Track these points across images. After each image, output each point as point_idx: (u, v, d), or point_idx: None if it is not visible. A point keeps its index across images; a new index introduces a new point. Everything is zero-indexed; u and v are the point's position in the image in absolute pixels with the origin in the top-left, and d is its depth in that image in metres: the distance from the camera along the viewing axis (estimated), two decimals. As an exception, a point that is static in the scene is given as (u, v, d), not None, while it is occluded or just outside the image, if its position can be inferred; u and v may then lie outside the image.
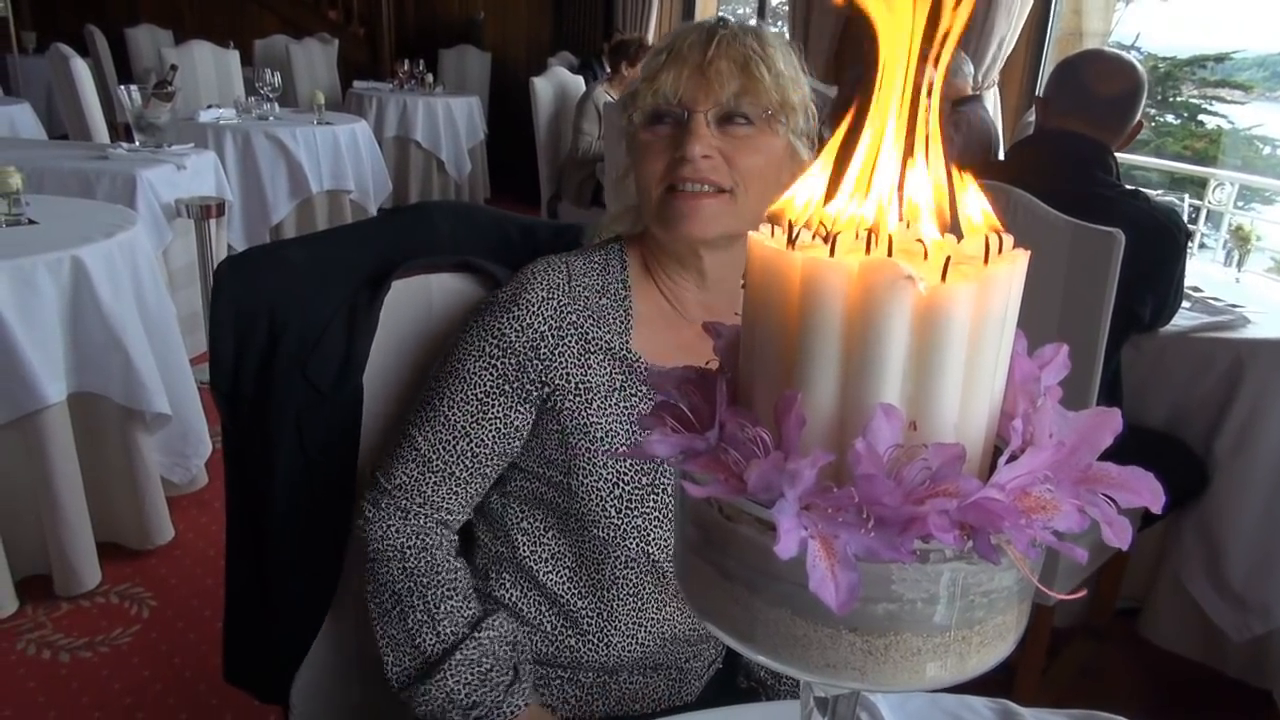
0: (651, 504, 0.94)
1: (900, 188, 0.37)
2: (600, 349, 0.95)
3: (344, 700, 1.19)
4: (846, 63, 5.33)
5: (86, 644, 2.02)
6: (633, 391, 0.94)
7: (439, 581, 0.95)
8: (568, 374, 0.94)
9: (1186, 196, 2.46)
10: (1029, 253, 0.37)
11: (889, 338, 0.34)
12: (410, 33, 7.75)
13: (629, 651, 0.98)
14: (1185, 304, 1.97)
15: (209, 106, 4.51)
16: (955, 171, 0.36)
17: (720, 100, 0.89)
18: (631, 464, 0.93)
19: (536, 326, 0.94)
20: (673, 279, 0.98)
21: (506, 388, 0.94)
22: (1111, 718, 0.75)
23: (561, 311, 0.94)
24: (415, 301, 1.11)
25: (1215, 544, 1.97)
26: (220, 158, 3.79)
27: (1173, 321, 1.91)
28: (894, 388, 0.35)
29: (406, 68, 6.28)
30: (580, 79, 5.16)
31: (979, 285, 0.34)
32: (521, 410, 0.95)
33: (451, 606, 0.94)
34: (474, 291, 1.14)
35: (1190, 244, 2.04)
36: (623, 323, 0.96)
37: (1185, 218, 1.97)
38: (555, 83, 4.87)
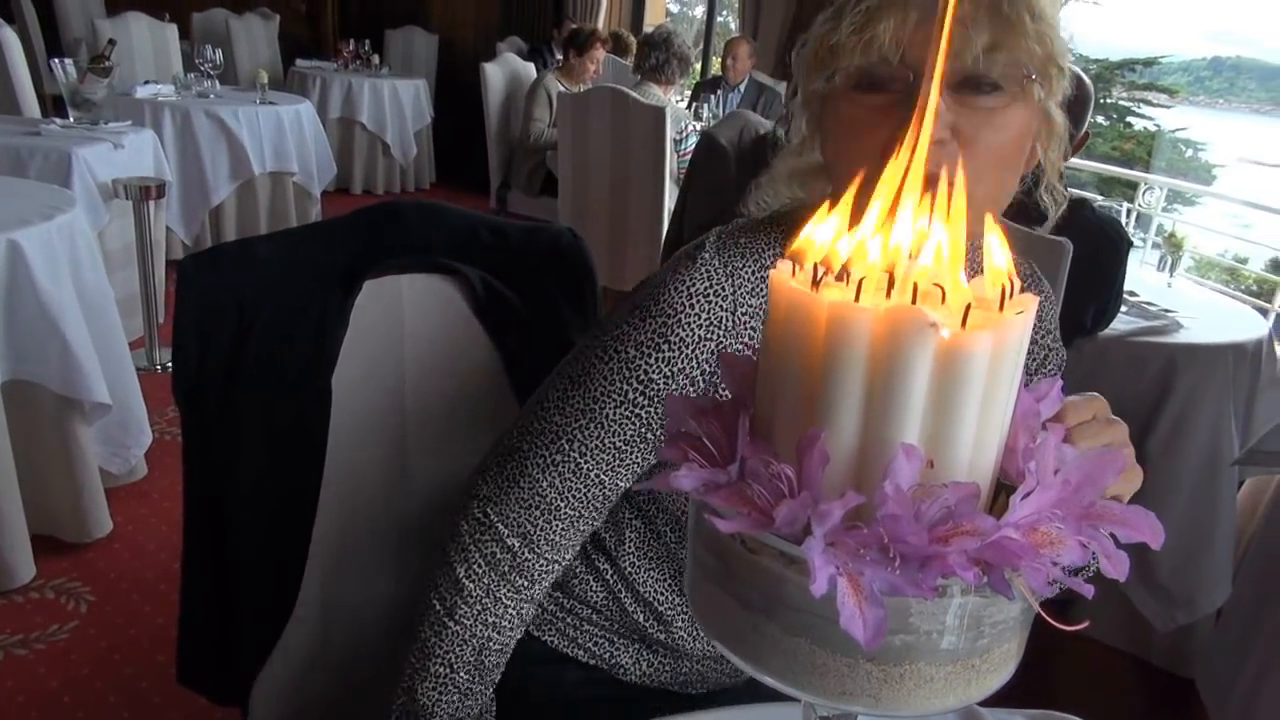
0: None
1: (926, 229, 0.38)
2: (741, 329, 0.78)
3: (304, 702, 1.18)
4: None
5: (21, 641, 1.96)
6: None
7: (484, 676, 0.85)
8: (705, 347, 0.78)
9: (1125, 204, 2.55)
10: (1038, 298, 0.39)
11: (911, 380, 0.36)
12: (355, 11, 7.59)
13: (709, 644, 0.97)
14: (1123, 308, 2.05)
15: (145, 82, 4.37)
16: (989, 219, 0.38)
17: (964, 60, 0.67)
18: None
19: (689, 373, 0.77)
20: None
21: (649, 435, 0.79)
22: (1068, 718, 0.79)
23: (715, 355, 0.77)
24: (387, 302, 1.10)
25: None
26: (158, 136, 3.68)
27: (1111, 325, 1.99)
28: (914, 428, 0.36)
29: (352, 47, 6.15)
30: (530, 66, 5.12)
31: (995, 331, 0.36)
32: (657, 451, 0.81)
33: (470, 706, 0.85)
34: (445, 292, 1.14)
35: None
36: None
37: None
38: (506, 69, 4.83)
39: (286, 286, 1.06)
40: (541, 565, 0.83)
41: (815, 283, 0.38)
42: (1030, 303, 0.38)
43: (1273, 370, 2.13)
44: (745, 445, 0.39)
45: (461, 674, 0.83)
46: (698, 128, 3.76)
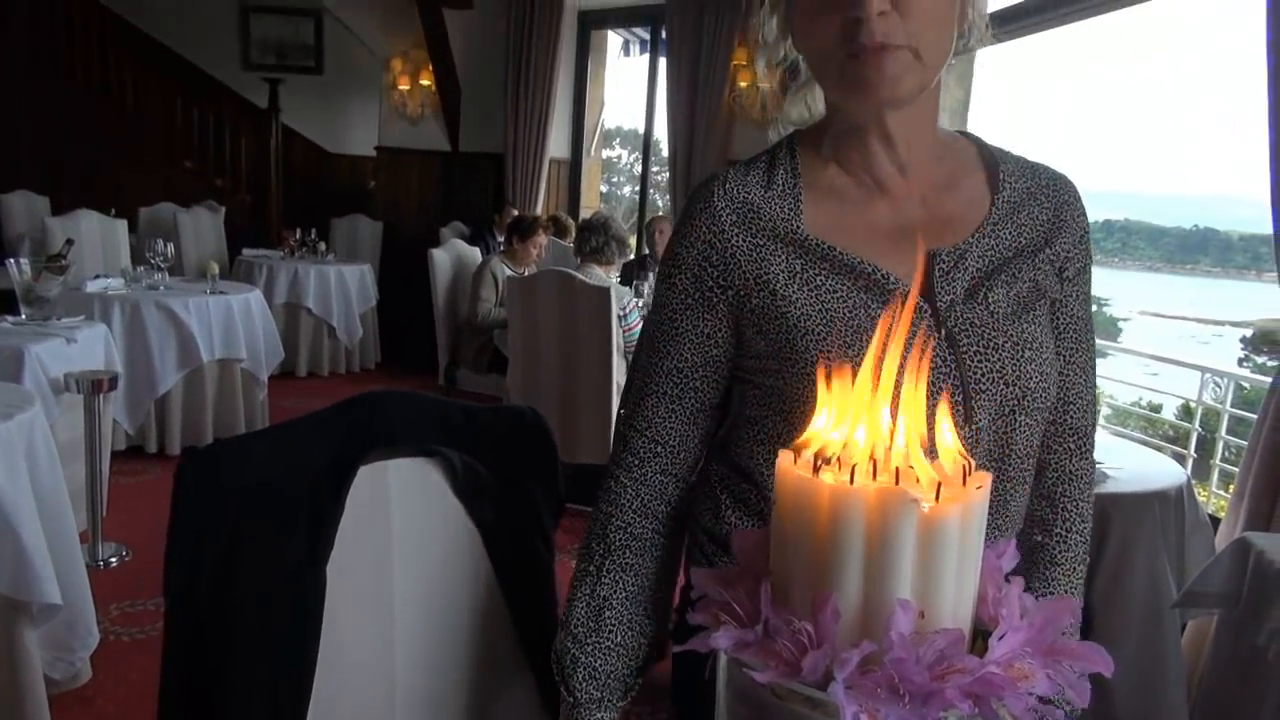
0: None
1: (894, 421, 0.48)
2: (771, 238, 0.93)
3: None
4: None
5: None
6: (815, 273, 0.92)
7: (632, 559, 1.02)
8: (744, 271, 0.93)
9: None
10: (991, 474, 0.48)
11: (901, 546, 0.44)
12: (300, 200, 7.87)
13: None
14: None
15: (95, 276, 4.45)
16: (941, 406, 0.48)
17: None
18: (835, 347, 0.90)
19: (702, 235, 0.95)
20: (858, 151, 0.93)
21: (690, 300, 0.96)
22: None
23: (720, 216, 0.94)
24: (375, 487, 1.16)
25: (1099, 681, 2.11)
26: (107, 328, 3.72)
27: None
28: (906, 585, 0.45)
29: (298, 235, 6.35)
30: (475, 249, 5.35)
31: (963, 503, 0.45)
32: (709, 318, 0.96)
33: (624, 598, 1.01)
34: (428, 474, 1.20)
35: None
36: (792, 208, 0.94)
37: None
38: (452, 253, 5.04)
39: (280, 480, 1.11)
40: (643, 443, 1.01)
41: (815, 469, 0.47)
42: (986, 478, 0.48)
43: (1196, 514, 2.27)
44: (768, 607, 0.46)
45: (594, 562, 1.03)
46: (640, 304, 3.96)
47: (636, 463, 1.02)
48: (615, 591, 1.01)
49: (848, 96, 0.88)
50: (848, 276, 0.91)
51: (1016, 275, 0.92)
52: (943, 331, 0.89)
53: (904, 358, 0.50)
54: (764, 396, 0.99)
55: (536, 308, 3.54)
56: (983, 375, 0.89)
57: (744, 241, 0.94)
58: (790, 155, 0.98)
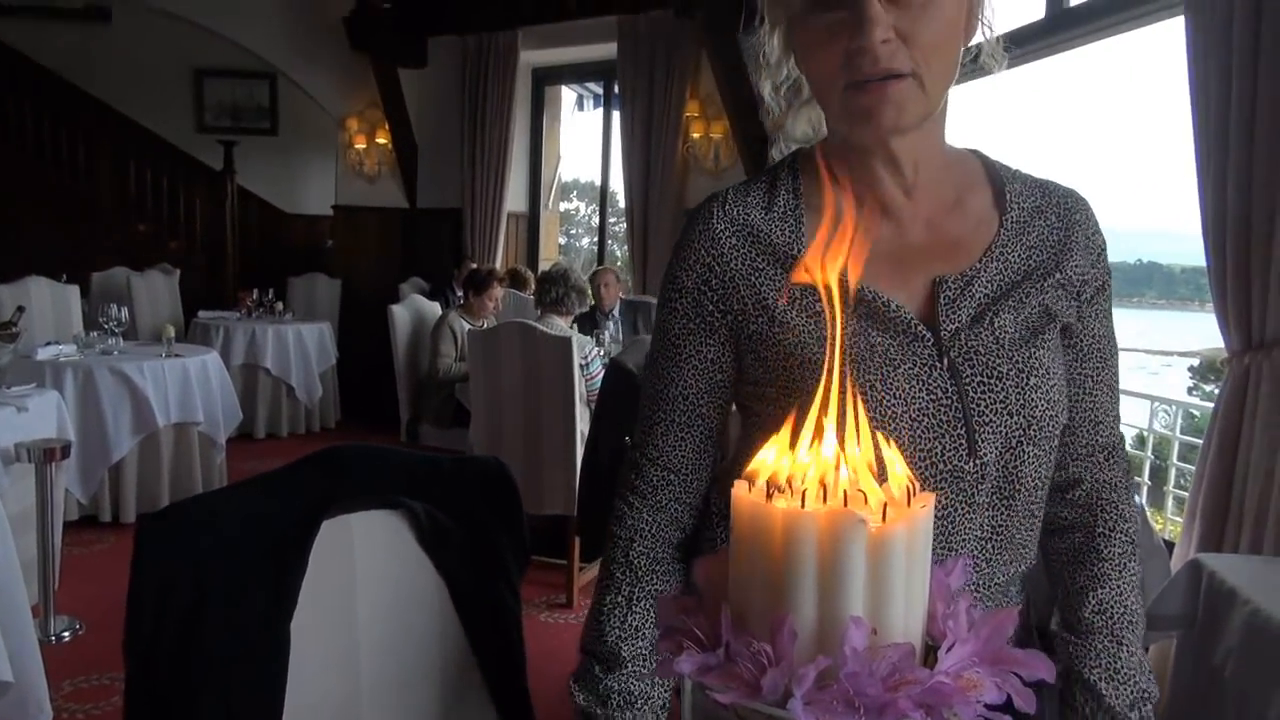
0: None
1: (843, 447, 0.50)
2: (771, 261, 0.92)
3: None
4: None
5: None
6: (815, 299, 0.89)
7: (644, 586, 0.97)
8: (743, 295, 0.92)
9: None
10: (934, 495, 0.51)
11: (852, 565, 0.46)
12: (256, 261, 7.84)
13: None
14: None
15: (47, 343, 4.38)
16: (880, 437, 0.50)
17: None
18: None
19: (701, 259, 0.94)
20: (865, 175, 0.91)
21: (691, 325, 0.95)
22: None
23: (719, 238, 0.93)
24: (339, 542, 1.16)
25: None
26: (59, 395, 3.66)
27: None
28: (858, 602, 0.47)
29: (255, 296, 6.31)
30: (435, 304, 5.35)
31: (908, 523, 0.48)
32: (712, 343, 0.95)
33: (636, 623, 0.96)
34: (393, 526, 1.20)
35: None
36: (793, 230, 0.93)
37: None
38: (411, 309, 5.04)
39: (242, 539, 1.10)
40: (656, 471, 1.00)
41: (768, 496, 0.49)
42: (930, 498, 0.50)
43: (1151, 540, 2.31)
44: (729, 631, 0.48)
45: (622, 592, 0.97)
46: (600, 353, 3.99)
47: (651, 490, 1.00)
48: (646, 620, 0.96)
49: (851, 125, 0.86)
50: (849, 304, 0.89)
51: (1025, 300, 0.90)
52: (945, 361, 0.87)
53: (854, 390, 0.52)
54: (763, 425, 0.96)
55: (498, 360, 3.55)
56: (987, 406, 0.87)
57: (743, 264, 0.93)
58: (792, 175, 0.97)
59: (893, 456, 0.51)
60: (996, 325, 0.88)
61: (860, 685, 0.43)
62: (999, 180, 0.96)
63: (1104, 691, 0.92)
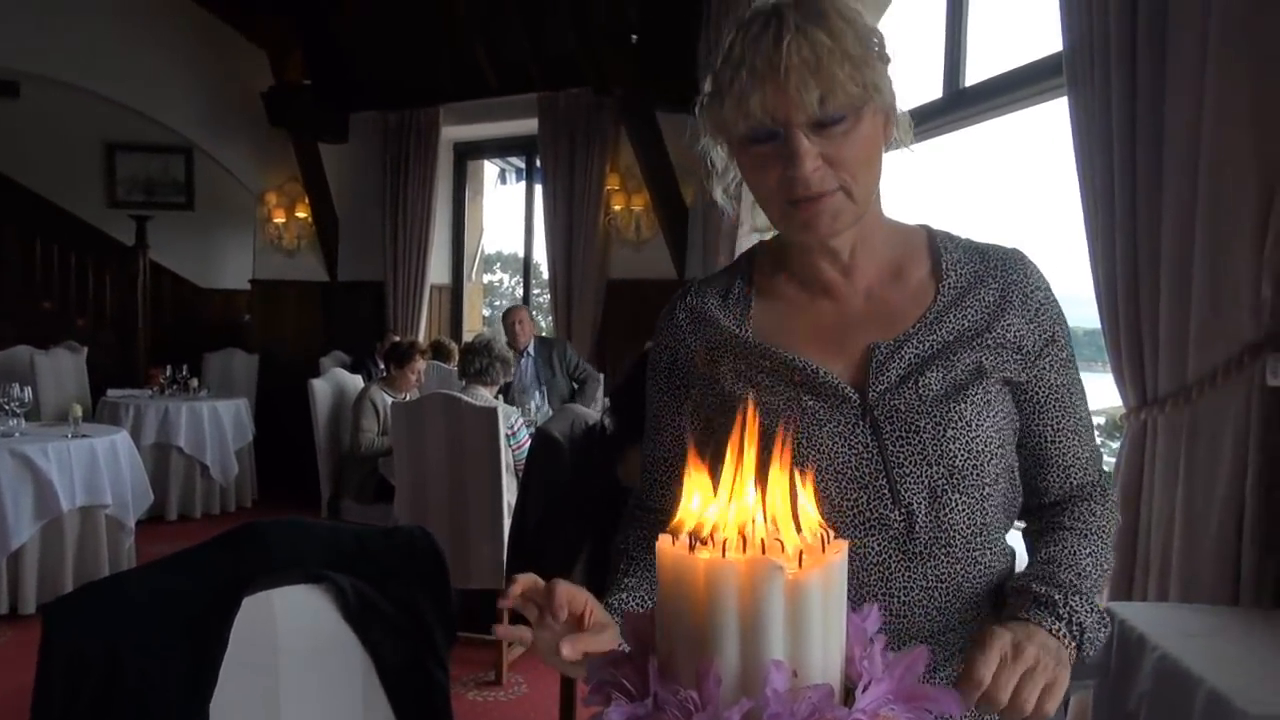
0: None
1: (762, 499, 0.53)
2: (721, 344, 1.03)
3: None
4: (608, 344, 5.87)
5: None
6: (757, 372, 1.00)
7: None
8: (700, 374, 1.04)
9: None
10: (848, 542, 0.54)
11: (771, 610, 0.49)
12: (170, 337, 7.63)
13: None
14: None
15: (-59, 427, 4.17)
16: (796, 481, 0.54)
17: (810, 110, 0.89)
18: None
19: (667, 342, 1.08)
20: (807, 264, 1.03)
21: (666, 399, 1.09)
22: None
23: (680, 325, 1.07)
24: (260, 618, 1.13)
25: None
26: (-45, 481, 3.48)
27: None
28: (779, 647, 0.49)
29: (169, 373, 6.13)
30: (357, 377, 5.28)
31: (823, 568, 0.50)
32: (682, 414, 1.07)
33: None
34: (317, 602, 1.18)
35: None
36: (741, 314, 1.05)
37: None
38: (333, 383, 4.96)
39: (159, 618, 1.07)
40: (651, 519, 1.09)
41: (691, 547, 0.51)
42: (843, 546, 0.53)
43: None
44: (656, 681, 0.49)
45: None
46: (525, 422, 3.98)
47: (651, 533, 1.08)
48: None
49: (793, 235, 0.99)
50: (786, 374, 0.99)
51: (955, 359, 0.97)
52: (868, 419, 0.95)
53: (778, 444, 0.55)
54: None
55: (422, 432, 3.52)
56: (905, 458, 0.94)
57: (699, 346, 1.05)
58: (749, 264, 1.10)
59: (808, 505, 0.54)
60: (921, 384, 0.96)
61: (782, 726, 0.45)
62: (938, 251, 1.04)
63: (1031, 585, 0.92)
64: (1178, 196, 1.99)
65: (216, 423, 5.91)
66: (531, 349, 5.57)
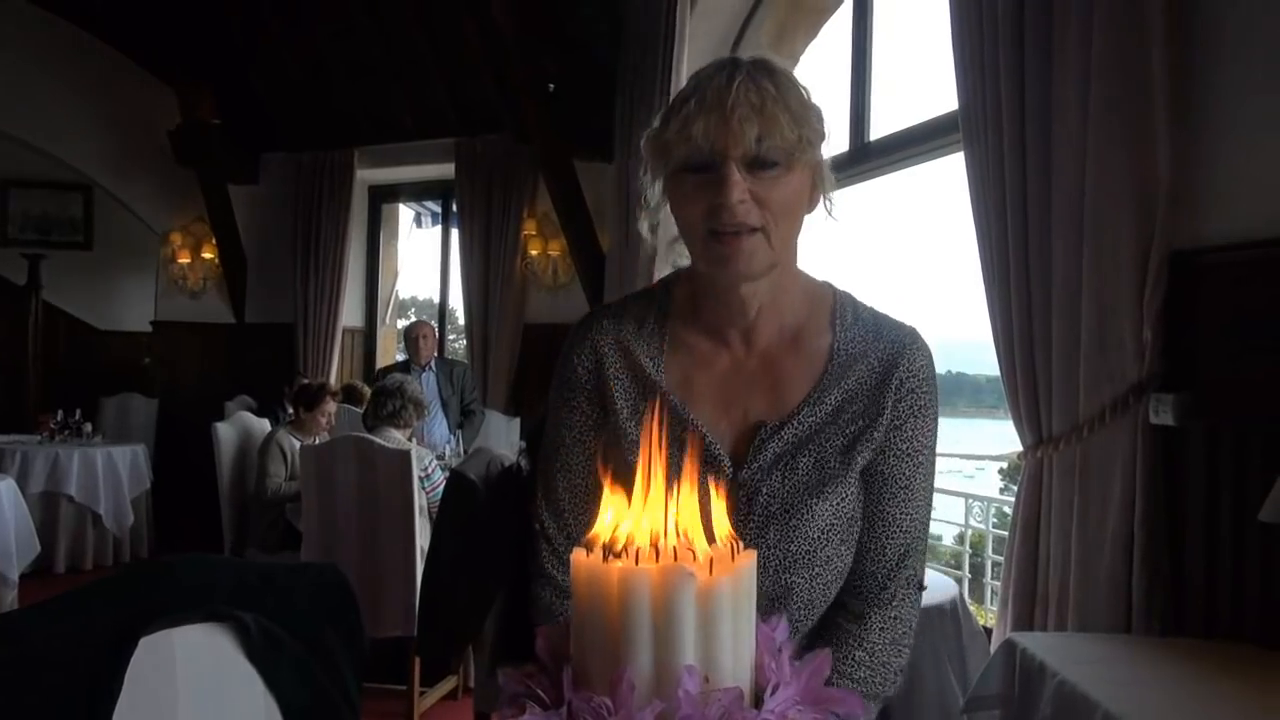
0: None
1: (668, 512, 0.55)
2: (633, 379, 1.07)
3: None
4: (525, 386, 5.84)
5: None
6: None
7: None
8: (611, 403, 1.08)
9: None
10: (755, 551, 0.56)
11: (683, 615, 0.50)
12: (63, 381, 7.28)
13: None
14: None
15: None
16: (709, 490, 0.55)
17: (747, 146, 0.95)
18: None
19: (589, 367, 1.10)
20: (715, 310, 1.06)
21: (585, 423, 1.11)
22: None
23: (603, 355, 1.09)
24: (158, 659, 1.08)
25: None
26: None
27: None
28: (690, 652, 0.50)
29: (60, 418, 5.84)
30: (265, 421, 5.12)
31: (732, 575, 0.52)
32: (594, 445, 1.10)
33: None
34: (219, 642, 1.14)
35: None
36: (656, 353, 1.08)
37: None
38: (239, 427, 4.80)
39: (47, 659, 1.02)
40: (564, 540, 1.12)
41: (605, 558, 0.52)
42: (752, 555, 0.55)
43: (970, 624, 2.46)
44: (570, 689, 0.50)
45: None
46: (439, 465, 3.92)
47: (563, 567, 1.09)
48: None
49: (709, 265, 1.02)
50: (678, 427, 1.02)
51: (827, 444, 1.03)
52: (733, 494, 1.00)
53: (690, 462, 0.57)
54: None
55: (332, 476, 3.43)
56: (754, 538, 1.00)
57: (612, 374, 1.08)
58: (666, 295, 1.13)
59: (720, 513, 0.56)
60: (790, 470, 1.03)
61: (694, 727, 0.46)
62: (836, 321, 1.09)
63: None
64: (1066, 248, 2.11)
65: (111, 469, 5.64)
66: (434, 365, 5.57)
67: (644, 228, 1.11)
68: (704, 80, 1.00)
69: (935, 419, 1.10)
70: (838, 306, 1.11)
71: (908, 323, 1.13)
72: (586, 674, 0.52)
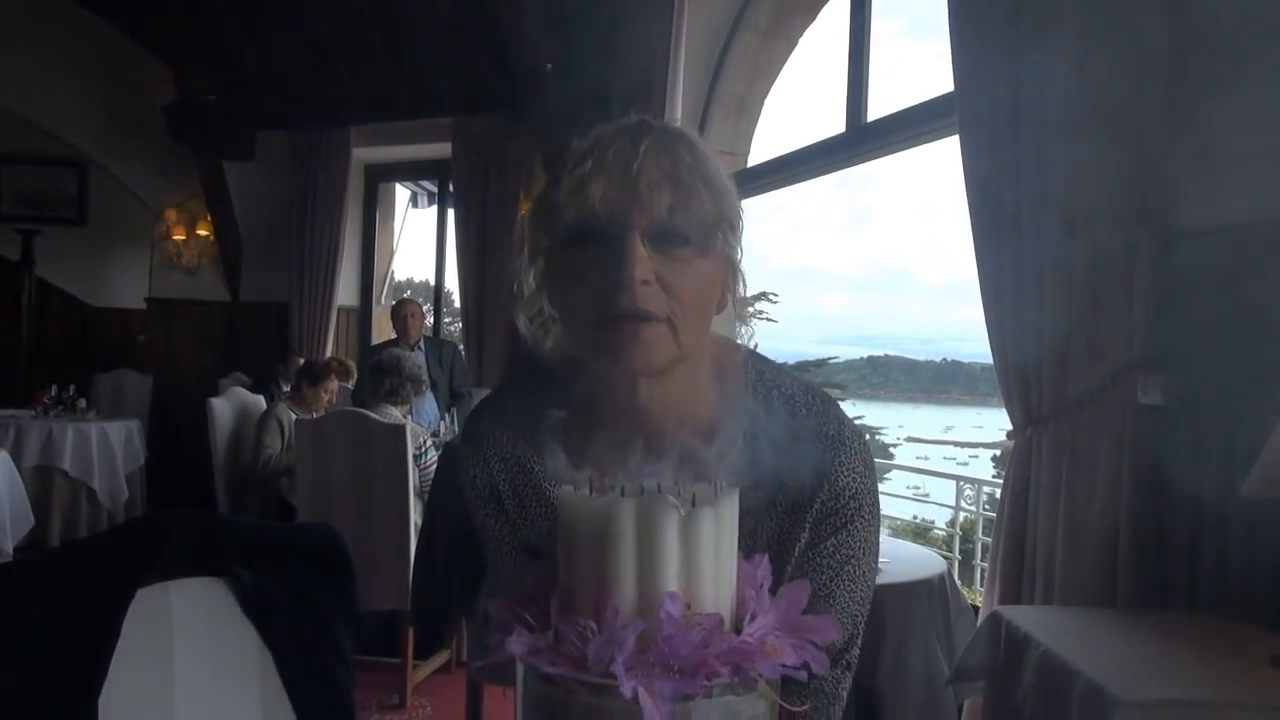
0: None
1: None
2: (539, 499, 0.97)
3: None
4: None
5: None
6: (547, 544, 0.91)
7: None
8: (514, 484, 0.99)
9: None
10: (738, 489, 0.57)
11: (666, 544, 0.52)
12: (57, 357, 7.28)
13: None
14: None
15: None
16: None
17: (655, 216, 0.80)
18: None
19: (481, 481, 1.01)
20: (619, 424, 0.87)
21: (497, 525, 1.03)
22: None
23: (492, 469, 1.00)
24: (154, 612, 1.10)
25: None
26: None
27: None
28: (673, 580, 0.52)
29: (54, 393, 5.85)
30: (260, 397, 5.14)
31: (714, 507, 0.54)
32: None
33: None
34: (215, 595, 1.15)
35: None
36: (554, 469, 0.88)
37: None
38: (234, 402, 4.82)
39: (44, 609, 1.03)
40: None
41: (592, 492, 0.54)
42: (734, 492, 0.57)
43: (958, 600, 2.50)
44: (557, 616, 0.52)
45: None
46: (434, 443, 3.93)
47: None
48: None
49: (601, 362, 0.85)
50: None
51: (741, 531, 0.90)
52: None
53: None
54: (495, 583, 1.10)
55: (327, 451, 3.45)
56: None
57: (508, 491, 0.99)
58: (565, 389, 0.94)
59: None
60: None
61: (675, 648, 0.48)
62: (750, 400, 0.93)
63: None
64: (1057, 229, 2.13)
65: (105, 445, 5.66)
66: (423, 344, 5.44)
67: (520, 321, 0.92)
68: (605, 138, 0.83)
69: (869, 524, 0.92)
70: (757, 376, 0.95)
71: (833, 407, 0.95)
72: (572, 602, 0.54)
